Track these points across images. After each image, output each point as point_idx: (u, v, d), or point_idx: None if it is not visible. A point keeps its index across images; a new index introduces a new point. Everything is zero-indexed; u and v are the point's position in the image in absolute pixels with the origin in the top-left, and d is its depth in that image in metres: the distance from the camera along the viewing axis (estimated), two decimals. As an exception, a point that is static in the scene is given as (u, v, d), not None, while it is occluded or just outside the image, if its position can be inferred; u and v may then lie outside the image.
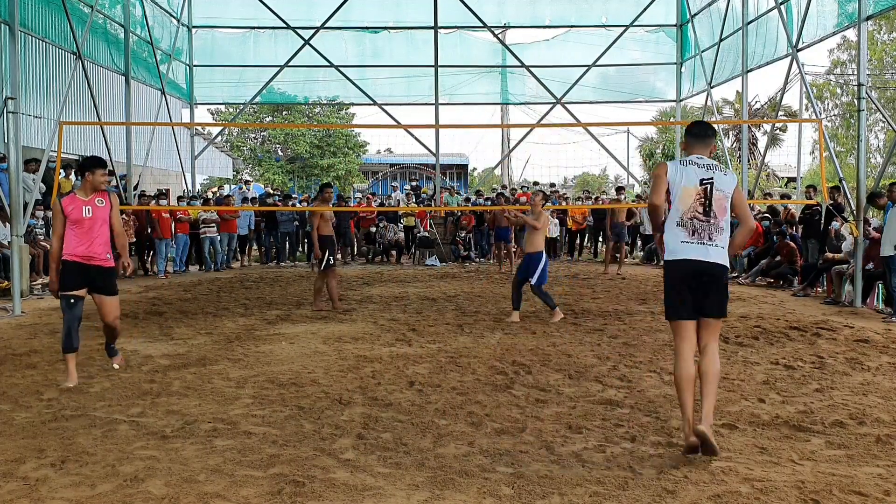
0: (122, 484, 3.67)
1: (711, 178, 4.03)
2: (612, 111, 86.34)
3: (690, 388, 3.96)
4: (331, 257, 9.79)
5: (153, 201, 15.42)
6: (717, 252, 4.02)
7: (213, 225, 15.91)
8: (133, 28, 16.51)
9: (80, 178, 5.87)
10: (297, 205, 18.18)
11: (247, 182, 26.47)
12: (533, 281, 8.81)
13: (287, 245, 18.03)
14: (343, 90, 20.61)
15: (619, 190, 19.05)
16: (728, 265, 4.07)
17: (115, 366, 6.11)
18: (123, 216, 14.38)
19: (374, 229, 18.36)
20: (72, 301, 5.72)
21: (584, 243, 19.57)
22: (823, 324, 8.52)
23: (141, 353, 6.97)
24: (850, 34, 26.46)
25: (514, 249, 15.71)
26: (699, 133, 4.22)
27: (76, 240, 5.71)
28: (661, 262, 4.21)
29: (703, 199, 4.01)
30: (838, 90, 33.45)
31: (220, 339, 7.67)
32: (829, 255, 11.20)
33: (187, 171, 19.80)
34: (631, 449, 4.21)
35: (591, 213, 18.59)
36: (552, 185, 25.41)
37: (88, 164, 5.82)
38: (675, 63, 20.25)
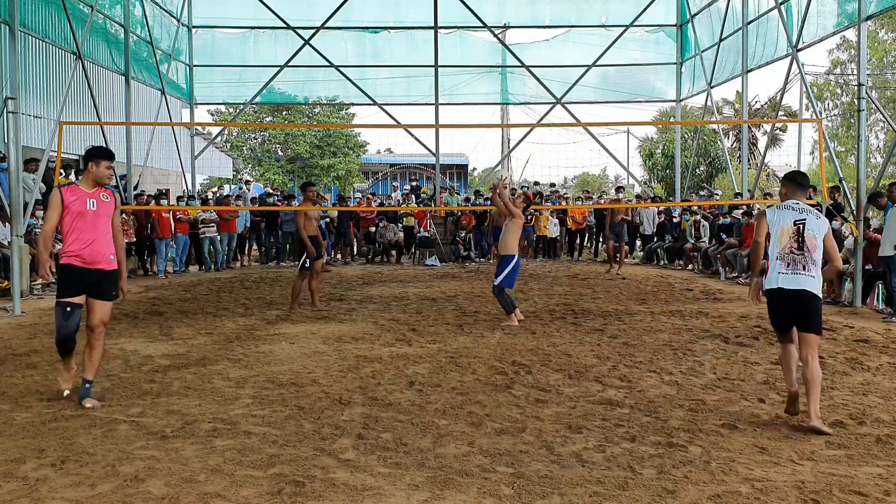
0: (122, 484, 3.68)
1: (804, 220, 4.82)
2: (612, 111, 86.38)
3: (792, 367, 4.91)
4: (307, 259, 9.76)
5: (152, 201, 15.42)
6: (807, 280, 4.78)
7: (212, 225, 15.91)
8: (133, 28, 16.51)
9: (83, 168, 5.33)
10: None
11: (247, 182, 26.48)
12: (496, 282, 8.64)
13: (288, 245, 18.01)
14: (343, 90, 20.61)
15: (619, 190, 19.06)
16: (819, 292, 4.80)
17: (87, 405, 5.04)
18: (123, 216, 14.51)
19: (373, 229, 18.36)
20: (68, 309, 5.11)
21: (584, 243, 19.58)
22: (823, 324, 8.51)
23: (141, 353, 6.98)
24: (850, 34, 26.47)
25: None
26: (802, 183, 5.08)
27: (77, 237, 5.05)
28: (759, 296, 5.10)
29: (796, 237, 4.80)
30: (838, 90, 33.45)
31: (220, 339, 7.67)
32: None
33: (187, 171, 19.81)
34: (631, 449, 4.21)
35: (592, 213, 18.60)
36: (552, 185, 25.41)
37: (93, 155, 5.18)
38: (675, 63, 20.26)
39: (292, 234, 17.57)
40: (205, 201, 18.28)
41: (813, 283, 4.75)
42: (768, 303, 4.94)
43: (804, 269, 4.75)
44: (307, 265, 9.74)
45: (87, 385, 5.16)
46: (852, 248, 10.59)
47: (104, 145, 5.48)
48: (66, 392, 5.28)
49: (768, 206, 5.01)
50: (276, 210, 17.15)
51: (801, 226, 4.79)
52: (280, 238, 17.81)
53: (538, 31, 20.33)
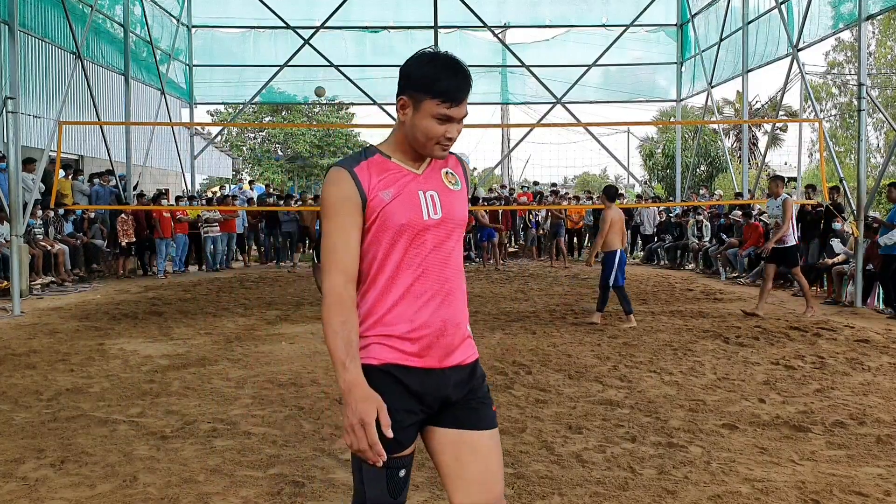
0: (121, 484, 3.67)
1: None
2: (612, 111, 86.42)
3: None
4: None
5: (151, 202, 15.42)
6: None
7: (215, 224, 15.94)
8: (133, 28, 16.50)
9: (410, 96, 1.99)
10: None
11: (250, 182, 26.48)
12: (610, 282, 8.56)
13: (288, 245, 17.98)
14: (343, 90, 20.60)
15: (555, 193, 19.72)
16: None
17: None
18: (122, 216, 14.52)
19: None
20: (401, 475, 1.99)
21: (585, 243, 19.58)
22: (824, 324, 8.52)
23: (140, 353, 6.97)
24: (845, 35, 26.48)
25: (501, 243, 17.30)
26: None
27: (406, 292, 1.99)
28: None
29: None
30: (835, 90, 33.47)
31: (220, 339, 7.67)
32: (828, 260, 11.17)
33: (187, 171, 19.81)
34: (631, 449, 4.21)
35: (591, 213, 18.64)
36: (553, 184, 25.44)
37: (442, 71, 1.99)
38: (676, 63, 20.25)
39: (290, 233, 17.57)
40: (208, 201, 18.27)
41: None
42: None
43: None
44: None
45: None
46: (851, 248, 10.58)
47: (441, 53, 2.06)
48: None
49: None
50: (276, 210, 17.14)
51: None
52: (279, 238, 17.77)
53: (538, 31, 20.32)
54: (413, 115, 1.98)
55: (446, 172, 2.10)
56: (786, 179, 10.19)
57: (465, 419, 2.05)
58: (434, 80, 1.97)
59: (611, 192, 9.03)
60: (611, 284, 8.53)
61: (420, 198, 2.00)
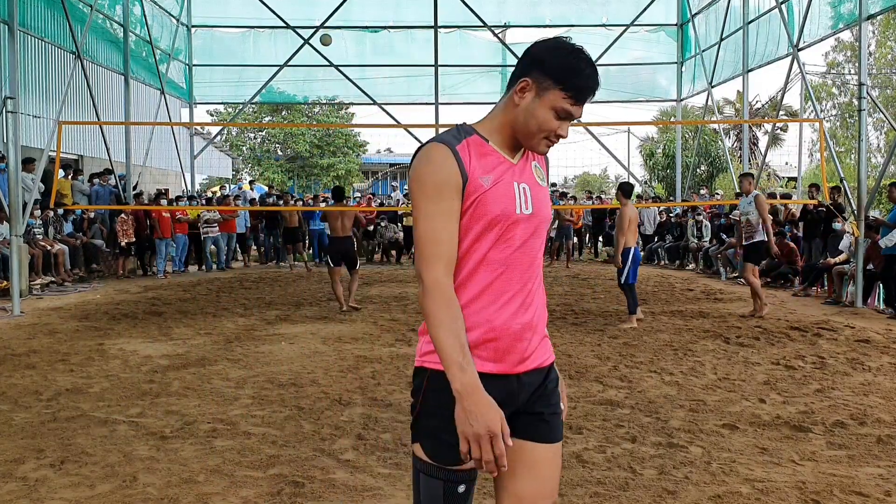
0: (121, 484, 3.67)
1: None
2: (612, 111, 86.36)
3: None
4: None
5: (153, 201, 15.42)
6: None
7: (214, 225, 15.94)
8: (133, 28, 16.51)
9: (536, 72, 1.87)
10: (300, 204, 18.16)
11: (251, 182, 26.46)
12: (622, 279, 8.53)
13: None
14: (343, 90, 20.60)
15: (563, 195, 19.69)
16: None
17: None
18: (122, 215, 14.52)
19: (371, 228, 18.35)
20: (460, 490, 1.84)
21: (585, 243, 19.60)
22: (824, 324, 8.51)
23: (140, 353, 6.97)
24: (845, 36, 26.46)
25: None
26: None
27: (487, 288, 1.83)
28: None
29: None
30: (835, 90, 33.47)
31: (219, 339, 7.66)
32: (831, 260, 11.18)
33: (186, 171, 19.80)
34: (631, 449, 4.20)
35: (591, 213, 18.65)
36: (553, 184, 25.43)
37: (583, 67, 1.83)
38: (676, 63, 20.25)
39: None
40: (208, 201, 18.27)
41: None
42: None
43: None
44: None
45: None
46: (852, 248, 10.58)
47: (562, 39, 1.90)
48: None
49: None
50: (276, 210, 17.13)
51: None
52: (279, 238, 17.73)
53: (538, 31, 20.29)
54: (532, 101, 1.85)
55: (535, 166, 1.95)
56: (783, 178, 10.21)
57: (534, 430, 1.93)
58: (573, 74, 1.83)
59: (627, 189, 8.89)
60: (622, 281, 8.53)
61: (515, 189, 1.85)
